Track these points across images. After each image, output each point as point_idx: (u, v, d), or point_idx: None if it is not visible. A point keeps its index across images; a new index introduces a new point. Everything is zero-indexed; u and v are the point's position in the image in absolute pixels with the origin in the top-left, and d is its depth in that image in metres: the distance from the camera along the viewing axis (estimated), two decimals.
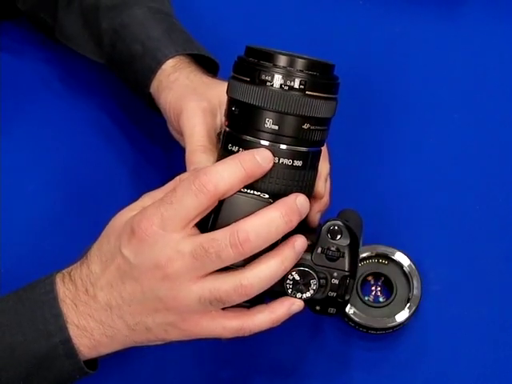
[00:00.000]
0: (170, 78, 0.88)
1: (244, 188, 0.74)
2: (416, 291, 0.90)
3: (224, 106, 0.80)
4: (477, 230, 0.95)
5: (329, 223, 0.76)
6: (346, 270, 0.76)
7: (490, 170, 0.97)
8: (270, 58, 0.74)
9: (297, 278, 0.75)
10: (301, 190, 0.75)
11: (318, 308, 0.77)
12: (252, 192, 0.74)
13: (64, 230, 0.95)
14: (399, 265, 0.91)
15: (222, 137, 0.78)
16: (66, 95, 1.02)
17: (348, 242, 0.76)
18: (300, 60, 0.73)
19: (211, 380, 0.90)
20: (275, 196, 0.73)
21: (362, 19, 1.05)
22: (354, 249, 0.76)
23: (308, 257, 0.75)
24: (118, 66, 0.93)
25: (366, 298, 0.90)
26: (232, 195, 0.73)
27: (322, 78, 0.74)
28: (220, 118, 0.85)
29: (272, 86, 0.73)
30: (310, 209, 0.78)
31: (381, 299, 0.91)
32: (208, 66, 0.92)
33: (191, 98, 0.84)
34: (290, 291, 0.75)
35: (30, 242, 0.94)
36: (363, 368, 0.90)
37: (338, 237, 0.76)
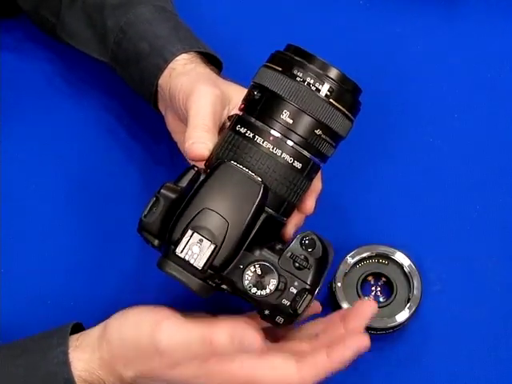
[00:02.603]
0: (185, 67, 0.87)
1: (239, 164, 0.74)
2: (416, 291, 0.90)
3: (234, 106, 0.80)
4: (477, 230, 0.95)
5: (304, 234, 0.76)
6: (308, 283, 0.75)
7: (490, 170, 0.97)
8: (307, 57, 0.75)
9: (258, 271, 0.74)
10: (290, 194, 0.76)
11: (266, 312, 0.76)
12: (247, 170, 0.74)
13: (66, 229, 0.95)
14: (399, 265, 0.91)
15: (231, 120, 0.78)
16: (68, 94, 1.01)
17: (319, 256, 0.76)
18: (335, 69, 0.75)
19: None
20: (266, 188, 0.74)
21: (362, 19, 1.05)
22: (321, 265, 0.76)
23: (275, 258, 0.75)
24: (123, 64, 0.93)
25: (366, 298, 0.90)
26: (227, 163, 0.74)
27: (349, 94, 0.75)
28: (227, 113, 0.84)
29: (301, 82, 0.74)
30: (290, 220, 0.79)
31: (381, 299, 0.91)
32: (212, 64, 0.92)
33: (206, 83, 0.84)
34: (246, 282, 0.74)
35: (30, 242, 0.94)
36: (363, 368, 0.90)
37: (310, 249, 0.76)
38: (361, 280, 0.91)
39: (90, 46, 0.95)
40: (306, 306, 0.75)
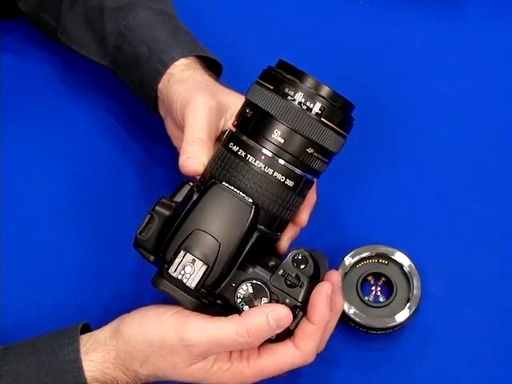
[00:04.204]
0: (183, 73, 0.87)
1: (231, 185, 0.74)
2: (416, 291, 0.90)
3: (231, 116, 0.80)
4: (477, 230, 0.95)
5: (296, 251, 0.76)
6: (300, 300, 0.76)
7: (490, 170, 0.97)
8: (298, 75, 0.75)
9: (250, 290, 0.76)
10: (282, 211, 0.76)
11: None
12: (239, 192, 0.75)
13: (66, 229, 0.95)
14: (399, 265, 0.91)
15: (225, 135, 0.78)
16: (68, 95, 1.01)
17: (311, 274, 0.76)
18: (326, 87, 0.75)
19: None
20: (258, 206, 0.75)
21: (362, 19, 1.05)
22: (313, 282, 0.76)
23: (268, 276, 0.76)
24: (123, 68, 0.93)
25: (366, 298, 0.90)
26: (218, 184, 0.74)
27: (340, 112, 0.75)
28: (224, 123, 0.84)
29: (292, 101, 0.74)
30: (284, 234, 0.80)
31: (381, 299, 0.91)
32: (212, 68, 0.92)
33: (202, 93, 0.84)
34: (238, 300, 0.76)
35: (30, 242, 0.94)
36: (363, 368, 0.90)
37: (302, 266, 0.76)
38: (361, 280, 0.91)
39: (90, 50, 0.95)
40: (298, 321, 0.77)
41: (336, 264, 0.90)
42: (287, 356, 0.78)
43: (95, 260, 0.93)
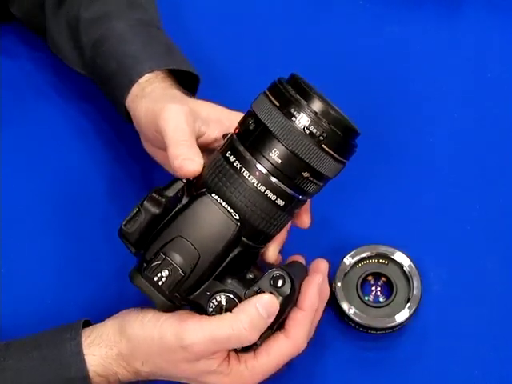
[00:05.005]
0: (145, 90, 0.86)
1: (220, 198, 0.74)
2: (416, 291, 0.90)
3: (204, 122, 0.81)
4: (477, 230, 0.95)
5: (275, 270, 0.76)
6: None
7: (490, 170, 0.97)
8: (307, 97, 0.73)
9: (223, 302, 0.76)
10: (269, 227, 0.76)
11: None
12: (226, 206, 0.74)
13: (66, 229, 0.95)
14: (399, 265, 0.91)
15: (225, 140, 0.78)
16: (66, 97, 1.01)
17: (285, 294, 0.76)
18: (332, 113, 0.73)
19: None
20: (245, 221, 0.75)
21: (362, 19, 1.05)
22: (286, 303, 0.76)
23: (243, 291, 0.76)
24: (98, 81, 0.93)
25: (366, 298, 0.90)
26: (208, 196, 0.74)
27: (343, 140, 0.74)
28: (198, 129, 0.82)
29: (296, 123, 0.73)
30: (272, 242, 0.81)
31: (381, 299, 0.91)
32: (189, 78, 0.90)
33: (172, 101, 0.83)
34: (210, 310, 0.76)
35: (30, 242, 0.94)
36: (363, 368, 0.90)
37: (279, 285, 0.76)
38: (361, 280, 0.91)
39: (72, 60, 0.95)
40: (265, 338, 0.77)
41: (336, 264, 0.90)
42: (281, 349, 0.78)
43: (95, 260, 0.93)
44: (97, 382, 0.78)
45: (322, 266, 0.82)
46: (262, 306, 0.75)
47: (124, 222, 0.76)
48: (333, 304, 0.90)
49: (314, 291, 0.79)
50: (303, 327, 0.79)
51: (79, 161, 0.98)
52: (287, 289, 0.76)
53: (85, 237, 0.94)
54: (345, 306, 0.89)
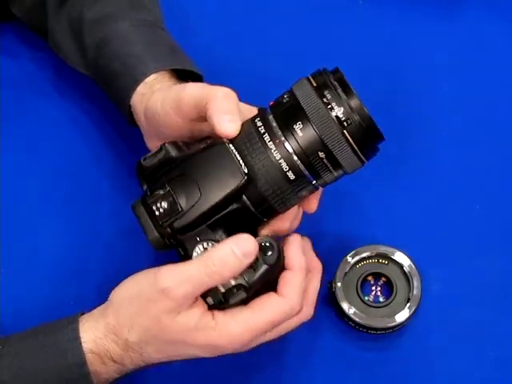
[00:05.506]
0: (153, 87, 0.86)
1: (236, 151, 0.76)
2: (416, 291, 0.90)
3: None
4: (477, 229, 0.95)
5: (268, 238, 0.77)
6: (248, 281, 0.77)
7: (491, 170, 0.97)
8: (348, 92, 0.76)
9: (209, 250, 0.76)
10: (274, 199, 0.77)
11: None
12: (239, 159, 0.76)
13: (66, 229, 0.95)
14: (399, 265, 0.91)
15: (258, 109, 0.80)
16: (67, 97, 1.01)
17: (270, 263, 0.77)
18: (365, 112, 0.76)
19: (209, 378, 0.90)
20: (252, 179, 0.76)
21: (361, 19, 1.05)
22: (268, 273, 0.77)
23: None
24: (101, 81, 0.93)
25: (366, 298, 0.90)
26: (226, 145, 0.76)
27: (365, 134, 0.76)
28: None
29: (326, 103, 0.75)
30: (270, 225, 0.81)
31: (381, 299, 0.91)
32: (193, 78, 0.90)
33: (186, 85, 0.83)
34: (194, 254, 0.76)
35: (30, 242, 0.95)
36: (363, 368, 0.90)
37: (269, 253, 0.77)
38: (361, 280, 0.91)
39: (75, 60, 0.95)
40: (239, 300, 0.77)
41: (336, 264, 0.90)
42: (274, 305, 0.77)
43: (95, 260, 0.94)
44: (91, 361, 0.77)
45: (296, 237, 0.81)
46: (236, 244, 0.75)
47: (144, 157, 0.78)
48: (333, 304, 0.90)
49: (296, 249, 0.79)
50: (295, 285, 0.78)
51: (80, 161, 0.98)
52: (273, 258, 0.77)
53: (86, 236, 0.94)
54: (345, 306, 0.89)
